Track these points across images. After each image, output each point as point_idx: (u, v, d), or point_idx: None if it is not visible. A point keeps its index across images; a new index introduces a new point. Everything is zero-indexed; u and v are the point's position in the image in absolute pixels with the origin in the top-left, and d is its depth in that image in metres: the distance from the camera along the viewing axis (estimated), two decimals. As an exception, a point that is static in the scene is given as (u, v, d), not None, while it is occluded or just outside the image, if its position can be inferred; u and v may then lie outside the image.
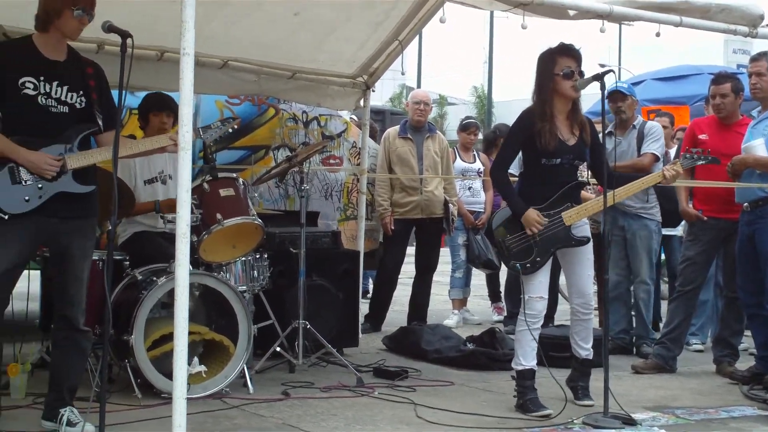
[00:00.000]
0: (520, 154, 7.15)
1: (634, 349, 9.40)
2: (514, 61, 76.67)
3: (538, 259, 6.88)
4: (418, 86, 42.87)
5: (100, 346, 6.92)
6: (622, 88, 9.30)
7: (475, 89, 55.68)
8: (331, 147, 10.63)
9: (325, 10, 8.25)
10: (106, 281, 5.35)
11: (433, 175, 10.28)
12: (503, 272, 11.11)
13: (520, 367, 7.04)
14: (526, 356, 7.02)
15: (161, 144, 6.03)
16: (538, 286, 6.97)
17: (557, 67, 6.83)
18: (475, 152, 11.55)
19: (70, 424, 5.82)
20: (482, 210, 11.25)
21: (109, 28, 5.47)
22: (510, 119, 13.26)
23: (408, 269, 10.85)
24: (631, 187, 7.09)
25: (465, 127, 11.63)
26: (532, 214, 6.83)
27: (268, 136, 10.43)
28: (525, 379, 7.02)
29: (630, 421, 6.51)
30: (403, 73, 9.37)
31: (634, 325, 9.55)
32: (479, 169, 11.35)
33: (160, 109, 7.77)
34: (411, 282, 10.74)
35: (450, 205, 10.39)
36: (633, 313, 9.55)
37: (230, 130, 6.66)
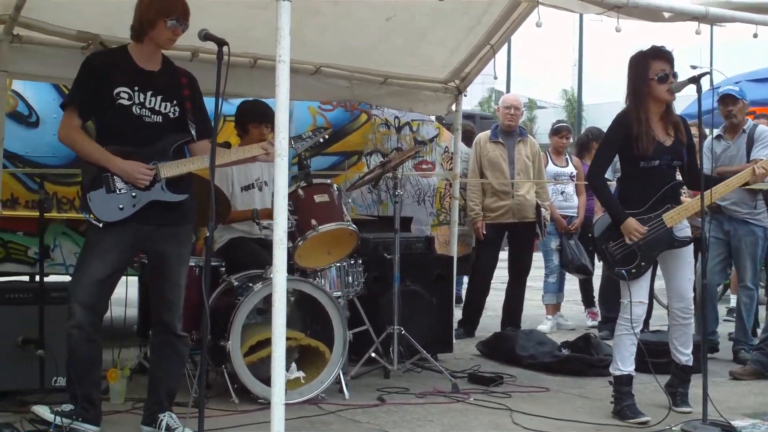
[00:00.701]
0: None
1: (732, 354, 9.26)
2: (605, 63, 76.06)
3: (643, 263, 6.81)
4: (508, 90, 42.72)
5: (197, 352, 7.03)
6: (733, 91, 9.09)
7: (564, 92, 55.47)
8: (423, 152, 10.63)
9: (417, 15, 8.24)
10: (204, 287, 5.40)
11: (525, 180, 10.23)
12: (596, 277, 11.06)
13: (618, 373, 6.97)
14: (625, 361, 6.95)
15: (253, 153, 6.07)
16: (639, 291, 6.90)
17: (651, 70, 6.77)
18: (567, 156, 11.48)
19: (168, 429, 5.87)
20: (575, 214, 11.18)
21: (205, 36, 5.52)
22: (600, 122, 13.23)
23: (501, 274, 10.81)
24: (727, 184, 7.00)
25: (557, 131, 11.56)
26: (632, 223, 6.76)
27: (361, 141, 10.45)
28: (623, 384, 6.95)
29: (729, 429, 6.41)
30: (495, 78, 9.33)
31: (734, 329, 9.42)
32: (572, 173, 11.28)
33: (260, 122, 7.76)
34: (504, 287, 10.70)
35: (542, 209, 10.33)
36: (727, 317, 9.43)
37: (321, 140, 6.67)
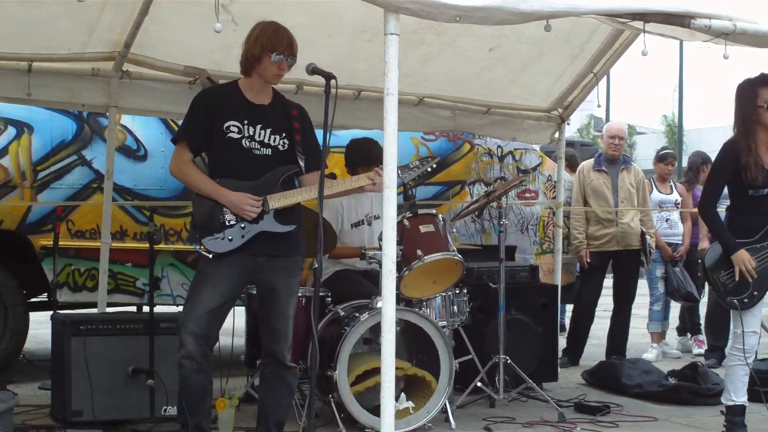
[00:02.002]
0: None
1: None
2: (705, 87, 75.20)
3: (755, 293, 6.73)
4: (607, 116, 42.39)
5: (304, 381, 7.07)
6: None
7: (665, 117, 54.85)
8: (526, 181, 10.61)
9: (521, 45, 8.23)
10: (313, 318, 5.45)
11: (629, 207, 10.16)
12: (702, 304, 10.94)
13: (730, 403, 6.88)
14: (737, 391, 6.85)
15: (360, 184, 6.09)
16: (752, 321, 6.82)
17: (759, 98, 6.71)
18: (672, 183, 11.38)
19: (278, 458, 5.91)
20: (680, 242, 11.07)
21: (312, 70, 5.59)
22: (701, 147, 13.08)
23: (604, 302, 10.73)
24: None
25: (662, 158, 11.45)
26: (743, 254, 6.69)
27: (464, 171, 10.46)
28: (735, 414, 6.87)
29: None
30: (599, 106, 9.27)
31: None
32: (676, 200, 11.18)
33: (369, 164, 7.63)
34: (608, 315, 10.62)
35: (647, 236, 10.24)
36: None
37: (429, 170, 6.68)
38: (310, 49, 6.10)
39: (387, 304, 5.09)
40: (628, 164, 10.39)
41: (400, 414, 6.83)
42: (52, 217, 8.67)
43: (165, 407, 6.99)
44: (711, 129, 46.05)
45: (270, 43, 5.73)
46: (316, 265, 5.52)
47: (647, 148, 42.17)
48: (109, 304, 8.42)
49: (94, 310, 8.33)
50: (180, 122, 8.48)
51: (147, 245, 7.52)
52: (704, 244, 10.45)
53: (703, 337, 11.41)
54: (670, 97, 54.87)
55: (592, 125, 52.08)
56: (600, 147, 10.72)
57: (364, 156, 7.85)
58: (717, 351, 10.75)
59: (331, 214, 7.74)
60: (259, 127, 5.84)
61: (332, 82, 5.50)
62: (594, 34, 8.50)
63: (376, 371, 6.80)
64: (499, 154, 10.73)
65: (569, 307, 11.51)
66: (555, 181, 10.33)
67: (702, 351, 11.25)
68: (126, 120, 8.90)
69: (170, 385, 6.75)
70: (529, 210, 10.83)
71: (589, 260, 10.16)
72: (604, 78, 9.20)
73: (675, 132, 49.29)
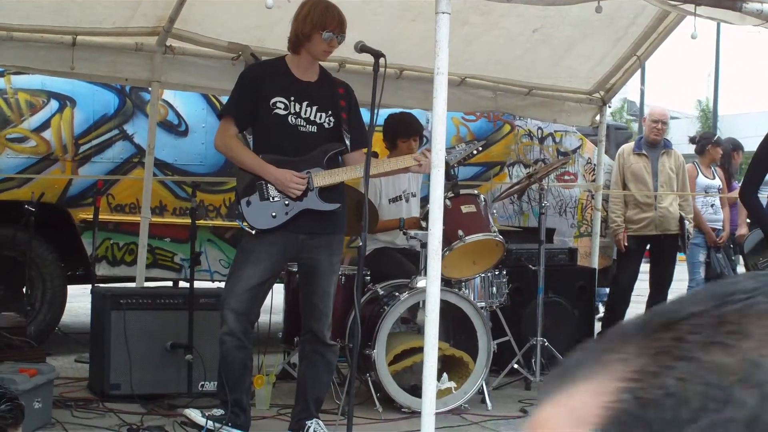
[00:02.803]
0: None
1: None
2: (741, 72, 74.72)
3: None
4: (641, 101, 42.17)
5: (341, 360, 7.08)
6: None
7: (699, 103, 54.56)
8: (566, 163, 10.57)
9: (565, 27, 8.20)
10: (356, 297, 5.47)
11: (668, 192, 10.10)
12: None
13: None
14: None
15: (406, 164, 6.09)
16: None
17: None
18: (713, 168, 11.31)
19: (315, 435, 5.93)
20: (721, 227, 11.01)
21: (361, 48, 5.60)
22: (735, 133, 13.05)
23: (640, 286, 10.68)
24: None
25: (716, 143, 11.41)
26: None
27: (504, 152, 10.44)
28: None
29: None
30: (642, 88, 9.25)
31: None
32: (719, 185, 11.11)
33: (408, 136, 7.80)
34: (643, 300, 10.57)
35: (686, 221, 10.18)
36: None
37: (475, 152, 6.68)
38: (354, 28, 6.09)
39: (432, 284, 5.09)
40: (668, 148, 10.32)
41: (440, 394, 6.81)
42: (92, 190, 8.72)
43: (202, 382, 7.02)
44: (746, 115, 45.86)
45: (321, 20, 5.72)
46: (360, 243, 5.52)
47: (681, 133, 41.97)
48: (147, 279, 8.45)
49: (132, 285, 8.37)
50: (222, 98, 8.56)
51: (186, 221, 7.54)
52: (743, 230, 10.39)
53: None
54: (704, 82, 54.45)
55: (626, 109, 51.84)
56: (633, 131, 10.63)
57: (402, 126, 7.89)
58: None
59: (370, 189, 7.73)
60: (305, 104, 5.84)
61: (381, 60, 5.48)
62: (638, 17, 8.44)
63: (414, 351, 6.88)
64: (539, 136, 10.70)
65: (604, 290, 11.46)
66: (594, 164, 10.29)
67: None
68: (168, 95, 8.92)
69: (208, 361, 6.79)
70: (568, 192, 10.79)
71: (626, 244, 10.10)
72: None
73: (709, 117, 49.04)
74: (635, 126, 39.75)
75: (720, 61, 43.17)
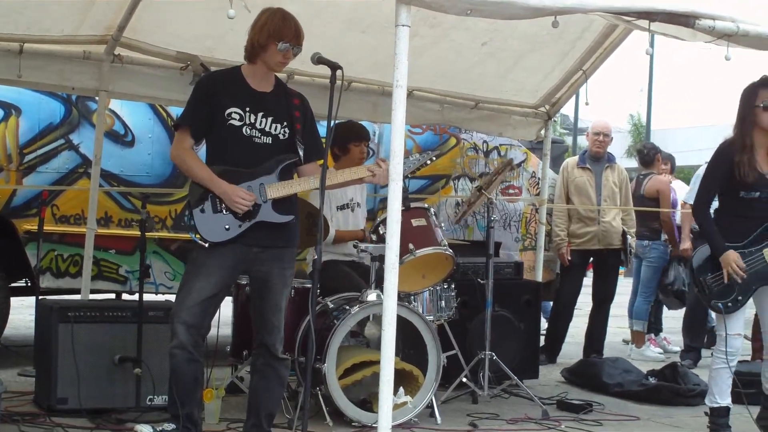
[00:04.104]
0: None
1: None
2: (672, 87, 75.54)
3: (740, 297, 6.78)
4: (575, 114, 42.43)
5: (291, 373, 7.04)
6: None
7: (631, 117, 55.01)
8: (510, 177, 10.59)
9: (513, 41, 8.25)
10: (311, 310, 5.44)
11: (612, 206, 10.18)
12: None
13: (715, 405, 6.93)
14: (722, 393, 6.91)
15: (360, 175, 6.04)
16: (736, 324, 6.88)
17: (758, 98, 6.76)
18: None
19: (267, 451, 5.89)
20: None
21: (318, 59, 5.58)
22: (667, 148, 13.13)
23: (583, 300, 10.74)
24: None
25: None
26: (732, 256, 6.73)
27: (449, 165, 10.45)
28: (719, 416, 6.92)
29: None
30: (587, 104, 9.30)
31: None
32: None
33: (360, 140, 7.85)
34: (585, 314, 10.64)
35: (628, 236, 10.26)
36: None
37: (428, 163, 6.67)
38: (306, 38, 6.06)
39: (389, 298, 5.08)
40: (612, 162, 10.40)
41: (395, 407, 6.80)
42: (37, 201, 8.57)
43: (151, 396, 6.94)
44: (676, 129, 46.33)
45: (277, 31, 5.69)
46: (310, 257, 5.49)
47: (614, 147, 42.31)
48: (92, 291, 8.36)
49: (77, 297, 8.26)
50: (170, 109, 8.48)
51: (131, 232, 7.44)
52: (686, 244, 10.49)
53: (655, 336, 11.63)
54: (637, 97, 54.89)
55: (560, 122, 52.18)
56: (568, 144, 10.70)
57: (354, 132, 7.98)
58: (693, 351, 10.82)
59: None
60: (260, 114, 5.79)
61: (338, 72, 5.45)
62: (586, 31, 8.52)
63: (364, 365, 6.89)
64: (485, 149, 10.73)
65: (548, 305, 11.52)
66: (539, 178, 10.34)
67: (657, 350, 11.38)
68: (114, 105, 8.80)
69: (157, 374, 6.74)
70: (512, 206, 10.82)
71: (569, 258, 10.16)
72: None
73: (642, 132, 49.49)
74: (569, 140, 40.04)
75: (653, 76, 43.61)
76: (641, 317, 11.34)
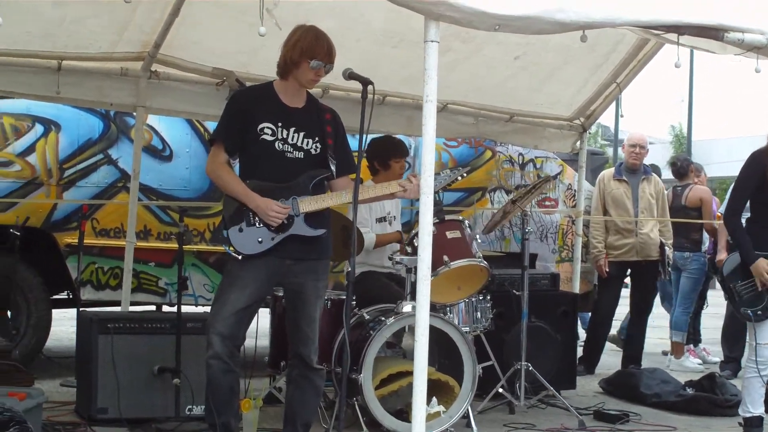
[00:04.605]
0: None
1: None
2: (714, 98, 75.10)
3: None
4: (616, 125, 42.34)
5: (327, 383, 7.12)
6: None
7: (672, 128, 54.77)
8: (546, 189, 10.62)
9: (546, 54, 8.28)
10: (345, 322, 5.49)
11: (649, 218, 10.18)
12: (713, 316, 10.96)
13: (748, 415, 6.94)
14: (755, 403, 6.92)
15: (391, 190, 6.07)
16: (767, 332, 6.86)
17: None
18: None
19: (304, 459, 5.95)
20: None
21: (350, 75, 5.64)
22: (709, 158, 13.18)
23: (621, 311, 10.75)
24: None
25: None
26: (763, 264, 6.74)
27: (485, 178, 10.51)
28: (753, 426, 6.93)
29: None
30: (622, 116, 9.36)
31: None
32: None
33: (401, 156, 7.87)
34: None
35: (666, 247, 10.25)
36: None
37: (459, 178, 6.72)
38: (338, 53, 6.14)
39: (421, 309, 5.10)
40: (648, 174, 10.40)
41: (428, 417, 6.84)
42: (77, 215, 8.72)
43: (190, 406, 7.05)
44: (718, 140, 46.13)
45: (310, 48, 5.76)
46: (346, 269, 5.54)
47: (655, 158, 42.16)
48: (132, 303, 8.48)
49: (117, 309, 8.38)
50: (206, 124, 8.58)
51: (170, 245, 7.52)
52: (722, 255, 10.47)
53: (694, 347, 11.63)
54: (677, 108, 54.63)
55: (600, 134, 52.06)
56: (608, 156, 10.73)
57: (395, 148, 7.96)
58: (732, 362, 10.80)
59: (362, 211, 7.76)
60: (292, 130, 5.86)
61: (369, 87, 5.52)
62: (619, 44, 8.54)
63: (400, 375, 6.92)
64: (520, 162, 10.78)
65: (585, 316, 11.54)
66: (575, 190, 10.37)
67: (697, 361, 11.38)
68: (152, 120, 8.95)
69: (195, 385, 6.82)
70: (549, 218, 10.87)
71: (607, 269, 10.17)
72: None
73: (683, 143, 49.26)
74: (610, 151, 39.94)
75: (693, 86, 43.43)
76: (680, 328, 11.31)
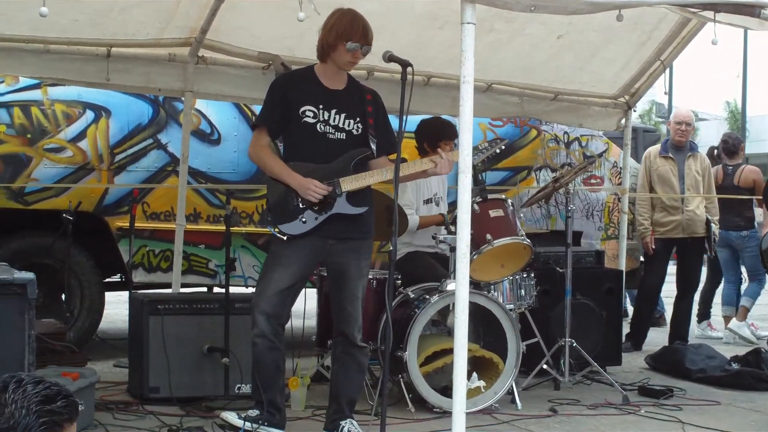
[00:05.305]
0: None
1: None
2: (769, 73, 74.16)
3: None
4: (669, 103, 42.08)
5: (374, 362, 7.24)
6: None
7: (727, 104, 54.37)
8: (592, 167, 10.66)
9: (589, 33, 8.30)
10: (387, 300, 5.58)
11: (695, 194, 10.18)
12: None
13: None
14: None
15: (424, 167, 6.17)
16: None
17: None
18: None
19: (349, 435, 6.07)
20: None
21: (389, 57, 5.71)
22: (765, 134, 13.12)
23: (667, 288, 10.77)
24: None
25: None
26: None
27: (530, 157, 10.57)
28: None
29: None
30: (666, 93, 9.35)
31: None
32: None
33: (451, 138, 7.91)
34: (671, 301, 10.66)
35: (712, 224, 10.26)
36: None
37: (498, 151, 6.79)
38: (382, 36, 6.22)
39: (460, 286, 5.18)
40: (694, 151, 10.39)
41: (470, 393, 6.91)
42: (128, 199, 8.88)
43: (239, 385, 7.17)
44: (774, 115, 45.70)
45: (345, 31, 5.86)
46: (391, 248, 5.63)
47: (710, 134, 41.85)
48: (183, 285, 8.63)
49: (168, 291, 8.55)
50: (254, 107, 8.69)
51: (219, 227, 7.63)
52: (765, 229, 10.48)
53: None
54: (732, 84, 54.11)
55: (654, 111, 51.78)
56: (662, 133, 10.74)
57: (445, 130, 7.99)
58: (780, 338, 10.82)
59: (411, 191, 7.86)
60: (333, 111, 5.98)
61: (408, 69, 5.60)
62: (662, 22, 8.53)
63: (445, 352, 7.01)
64: (566, 141, 10.83)
65: (632, 293, 11.58)
66: (620, 168, 10.39)
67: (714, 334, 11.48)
68: (200, 104, 9.08)
69: (244, 364, 6.91)
70: (595, 196, 10.90)
71: (653, 246, 10.20)
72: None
73: (738, 118, 48.90)
74: (664, 128, 39.74)
75: (748, 62, 43.07)
76: (731, 303, 11.37)
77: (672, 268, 10.57)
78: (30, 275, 5.30)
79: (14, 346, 5.18)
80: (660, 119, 49.67)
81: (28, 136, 8.72)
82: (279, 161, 5.98)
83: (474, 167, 6.95)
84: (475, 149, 6.52)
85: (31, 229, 8.98)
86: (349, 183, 5.94)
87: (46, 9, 5.44)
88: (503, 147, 6.87)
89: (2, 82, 8.70)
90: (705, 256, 10.74)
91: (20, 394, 2.68)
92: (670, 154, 10.26)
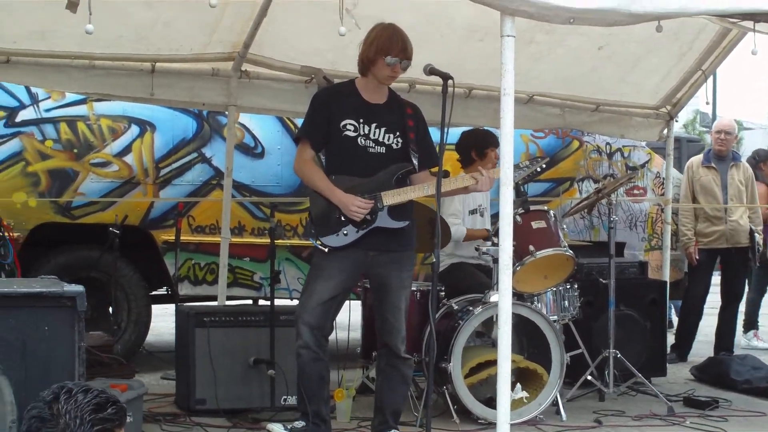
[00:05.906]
0: None
1: None
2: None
3: None
4: (713, 112, 41.85)
5: (418, 374, 7.26)
6: None
7: (771, 113, 53.98)
8: (635, 178, 10.64)
9: (629, 44, 8.30)
10: (431, 312, 5.61)
11: (739, 204, 10.14)
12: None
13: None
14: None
15: (465, 183, 6.21)
16: None
17: None
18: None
19: (395, 446, 6.10)
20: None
21: (430, 70, 5.75)
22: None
23: (711, 299, 10.72)
24: None
25: None
26: None
27: (573, 168, 10.57)
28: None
29: None
30: (707, 103, 9.28)
31: None
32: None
33: (496, 145, 7.91)
34: (715, 312, 10.61)
35: (755, 234, 10.22)
36: None
37: (538, 170, 6.81)
38: (423, 49, 6.26)
39: (504, 298, 5.20)
40: (737, 161, 10.34)
41: (514, 404, 6.92)
42: (173, 212, 8.99)
43: (285, 397, 7.22)
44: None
45: (385, 46, 5.91)
46: (434, 260, 5.66)
47: (755, 143, 41.59)
48: (228, 298, 8.69)
49: (214, 303, 8.61)
50: (297, 121, 8.76)
51: (264, 240, 7.68)
52: None
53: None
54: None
55: (698, 120, 51.47)
56: (706, 142, 10.72)
57: (492, 138, 7.96)
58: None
59: (456, 203, 7.87)
60: (374, 125, 6.04)
61: (449, 82, 5.64)
62: (702, 32, 8.52)
63: (489, 364, 7.03)
64: (608, 151, 10.82)
65: (676, 304, 11.53)
66: (663, 178, 10.37)
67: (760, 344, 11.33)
68: (244, 118, 9.16)
69: (290, 375, 6.95)
70: (638, 206, 10.88)
71: (697, 257, 10.16)
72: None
73: (784, 127, 48.54)
74: (708, 138, 39.53)
75: (792, 70, 42.76)
76: None
77: (716, 279, 10.53)
78: (79, 288, 5.36)
79: (65, 359, 5.23)
80: (704, 129, 49.37)
81: (75, 151, 8.83)
82: (323, 176, 6.03)
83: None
84: (516, 167, 6.52)
85: (78, 243, 9.06)
86: (391, 197, 5.98)
87: (92, 26, 5.51)
88: (543, 165, 6.89)
89: (49, 97, 8.82)
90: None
91: (72, 404, 2.74)
92: (713, 164, 10.21)
